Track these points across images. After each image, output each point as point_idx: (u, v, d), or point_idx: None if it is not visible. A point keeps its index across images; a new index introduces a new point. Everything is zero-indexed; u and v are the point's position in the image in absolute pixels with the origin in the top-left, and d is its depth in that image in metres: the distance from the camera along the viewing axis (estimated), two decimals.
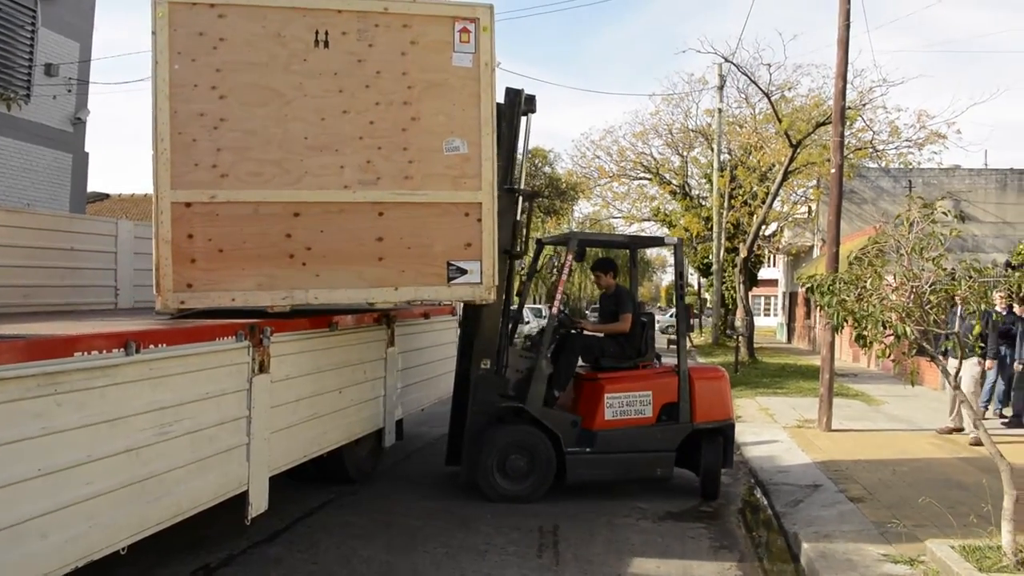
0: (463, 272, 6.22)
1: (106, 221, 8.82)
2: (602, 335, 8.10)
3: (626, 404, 7.60)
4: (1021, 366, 10.23)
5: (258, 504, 5.50)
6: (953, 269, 5.70)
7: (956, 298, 5.64)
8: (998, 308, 9.56)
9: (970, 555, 5.25)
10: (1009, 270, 14.43)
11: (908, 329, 5.01)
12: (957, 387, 5.44)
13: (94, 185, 21.89)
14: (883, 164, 26.65)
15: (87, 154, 17.13)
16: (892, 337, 5.08)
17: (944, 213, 5.41)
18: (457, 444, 7.73)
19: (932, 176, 32.28)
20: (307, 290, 5.90)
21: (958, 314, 7.79)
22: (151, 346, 4.44)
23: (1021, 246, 19.53)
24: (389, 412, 7.80)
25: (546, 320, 8.48)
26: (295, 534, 6.21)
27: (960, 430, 10.34)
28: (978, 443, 9.34)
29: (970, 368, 9.55)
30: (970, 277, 5.33)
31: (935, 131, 23.40)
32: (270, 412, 5.60)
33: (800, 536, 6.12)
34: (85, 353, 3.99)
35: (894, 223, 5.80)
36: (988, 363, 9.86)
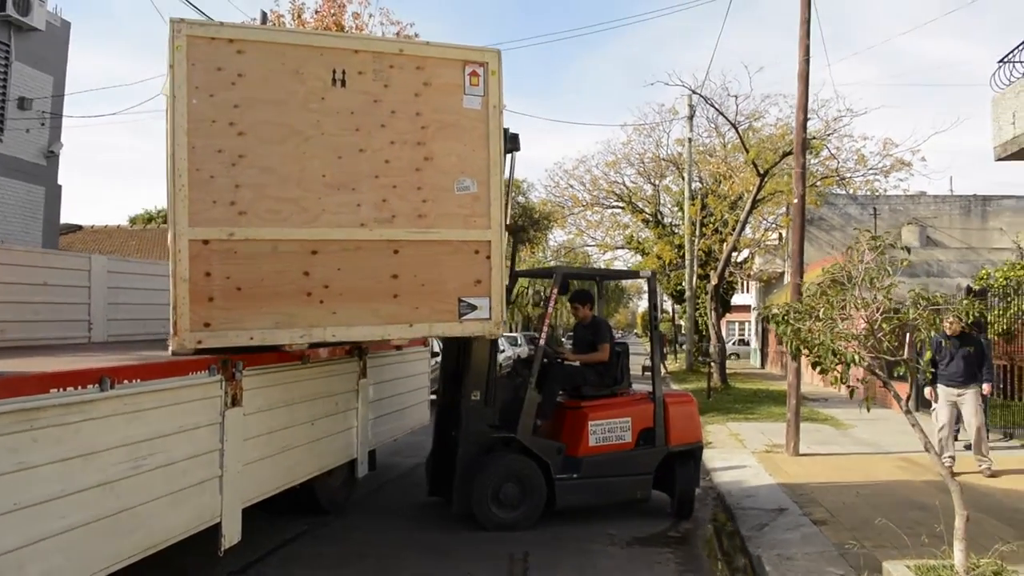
0: (473, 308, 6.45)
1: (79, 256, 8.92)
2: (578, 364, 8.32)
3: (607, 431, 7.87)
4: (988, 387, 10.26)
5: (231, 536, 5.58)
6: (904, 297, 5.94)
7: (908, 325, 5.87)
8: (947, 333, 9.62)
9: (925, 574, 5.44)
10: (970, 295, 14.77)
11: (857, 356, 5.21)
12: (908, 411, 5.63)
13: (66, 217, 21.88)
14: (850, 191, 27.18)
15: (60, 187, 17.20)
16: (842, 365, 5.28)
17: (891, 245, 5.62)
18: (440, 474, 7.83)
19: (898, 203, 32.96)
20: (325, 328, 5.98)
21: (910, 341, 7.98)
22: (125, 381, 4.55)
23: (983, 271, 19.91)
24: (362, 443, 7.89)
25: (519, 348, 8.65)
26: (268, 565, 6.29)
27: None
28: (994, 475, 9.54)
29: (973, 397, 9.63)
30: (918, 304, 5.54)
31: (900, 159, 24.02)
32: (243, 445, 5.70)
33: (763, 559, 6.29)
34: (60, 389, 4.10)
35: (847, 255, 6.02)
36: (986, 388, 9.88)
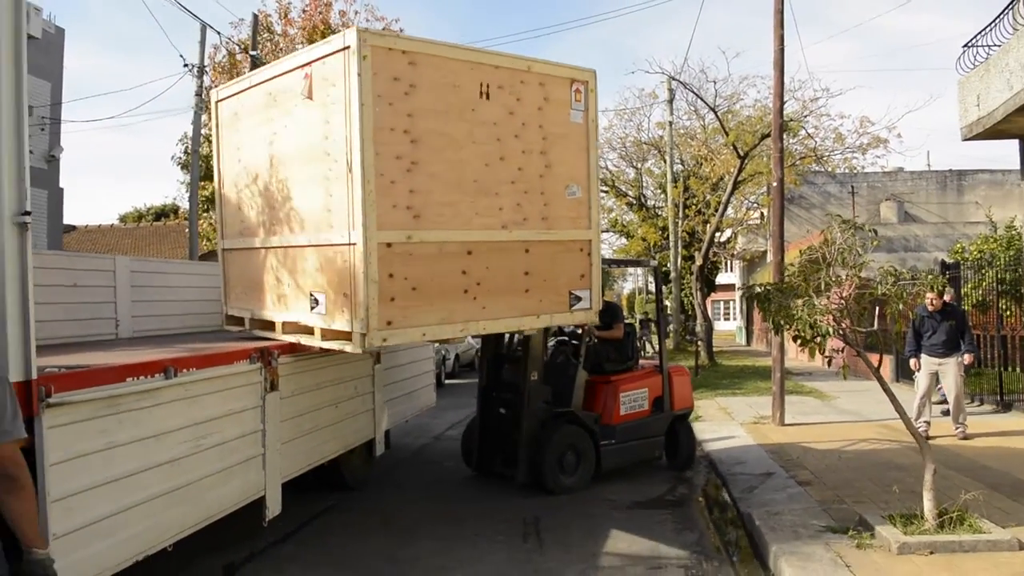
0: (579, 300, 7.32)
1: (104, 257, 9.42)
2: (598, 342, 9.15)
3: (632, 400, 9.09)
4: (971, 357, 10.91)
5: (273, 508, 6.19)
6: (875, 274, 6.57)
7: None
8: (929, 308, 10.34)
9: (897, 522, 6.09)
10: (944, 269, 15.47)
11: (830, 328, 5.85)
12: (879, 376, 6.27)
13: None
14: (829, 170, 27.89)
15: (61, 190, 17.62)
16: (820, 337, 5.91)
17: (860, 227, 6.24)
18: (489, 450, 8.82)
19: (876, 180, 33.74)
20: (477, 322, 6.54)
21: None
22: (184, 370, 5.13)
23: (959, 245, 20.64)
24: (378, 423, 8.49)
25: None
26: (305, 534, 6.90)
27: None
28: (967, 437, 10.21)
29: (954, 366, 10.32)
30: (886, 280, 6.18)
31: (877, 136, 24.67)
32: (280, 426, 6.29)
33: (753, 515, 6.94)
34: (135, 378, 4.67)
35: (822, 237, 6.65)
36: (968, 358, 10.49)
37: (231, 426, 5.64)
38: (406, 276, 5.93)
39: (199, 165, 18.24)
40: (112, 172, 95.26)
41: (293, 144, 6.39)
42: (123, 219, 40.13)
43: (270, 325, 6.91)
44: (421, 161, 6.02)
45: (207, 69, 18.89)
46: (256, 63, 18.26)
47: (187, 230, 22.58)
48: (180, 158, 22.98)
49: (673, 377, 9.54)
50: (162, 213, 39.46)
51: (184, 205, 32.45)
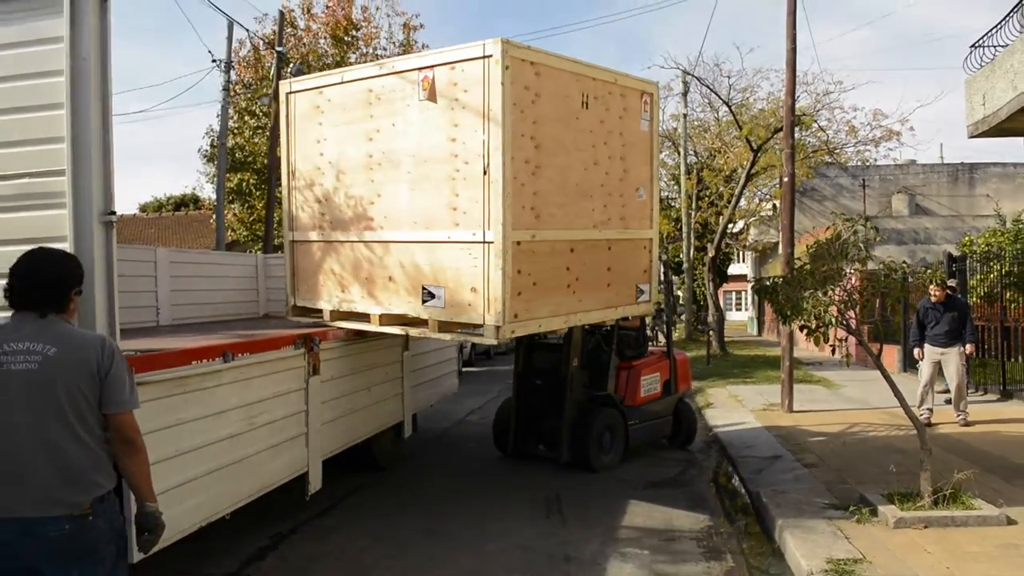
0: (643, 293, 8.00)
1: (146, 248, 9.93)
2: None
3: (649, 383, 9.77)
4: (971, 347, 11.31)
5: (315, 483, 6.70)
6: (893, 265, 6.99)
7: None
8: (932, 300, 10.75)
9: (895, 500, 6.54)
10: (951, 262, 15.81)
11: (834, 319, 6.28)
12: (879, 363, 6.70)
13: None
14: (842, 162, 28.15)
15: None
16: (823, 327, 6.35)
17: (863, 225, 6.65)
18: (526, 434, 9.41)
19: (888, 172, 33.99)
20: (576, 314, 7.08)
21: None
22: (240, 355, 5.61)
23: (967, 238, 20.94)
24: (407, 407, 8.98)
25: None
26: (344, 509, 7.41)
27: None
28: (968, 424, 10.62)
29: (956, 356, 10.72)
30: (886, 276, 6.61)
31: (890, 129, 24.92)
32: (321, 407, 6.79)
33: (760, 493, 7.39)
34: (198, 361, 5.16)
35: (827, 232, 7.06)
36: (969, 347, 10.89)
37: (279, 407, 6.14)
38: (529, 272, 6.37)
39: (225, 157, 18.71)
40: (128, 162, 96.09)
41: (405, 143, 6.65)
42: (143, 208, 40.78)
43: (359, 316, 7.17)
44: (542, 165, 6.46)
45: (233, 64, 19.39)
46: (282, 59, 18.73)
47: (212, 220, 23.10)
48: (206, 150, 23.52)
49: (677, 361, 10.33)
50: (181, 203, 40.09)
51: (203, 195, 33.09)
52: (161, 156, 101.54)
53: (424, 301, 6.56)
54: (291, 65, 19.80)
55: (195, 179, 78.37)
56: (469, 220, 6.21)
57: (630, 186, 7.59)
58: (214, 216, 20.46)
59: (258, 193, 23.01)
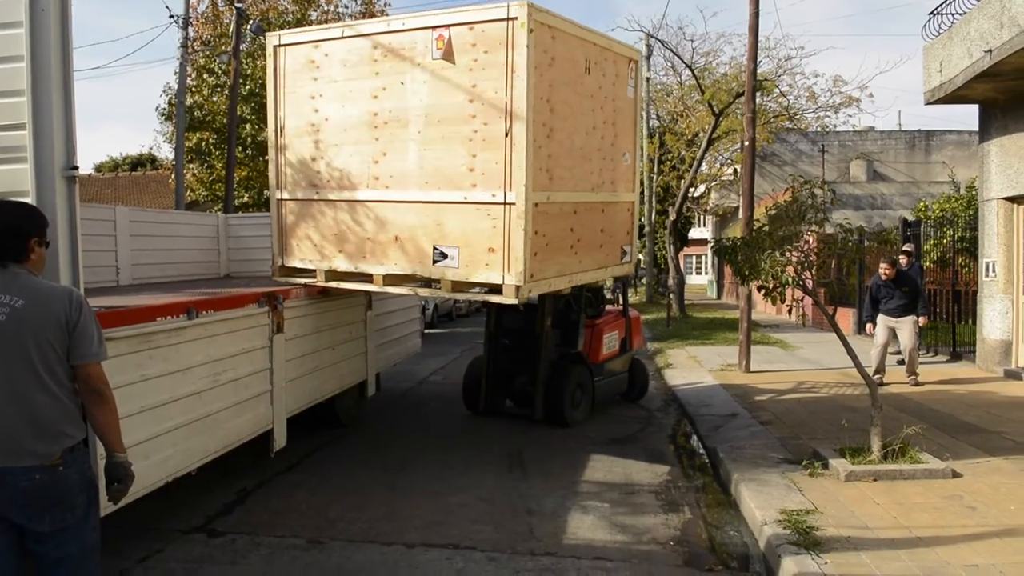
0: (626, 254, 8.23)
1: (106, 208, 9.80)
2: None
3: (610, 341, 10.07)
4: (925, 319, 11.66)
5: (280, 440, 6.75)
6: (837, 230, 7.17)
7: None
8: (883, 277, 11.05)
9: (846, 454, 6.77)
10: (905, 227, 16.16)
11: (790, 279, 6.44)
12: (833, 321, 6.89)
13: None
14: (802, 128, 28.41)
15: None
16: (780, 287, 6.51)
17: (819, 188, 6.80)
18: (497, 391, 9.64)
19: (847, 138, 34.39)
20: (577, 274, 7.23)
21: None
22: (204, 312, 5.62)
23: (922, 204, 21.38)
24: (370, 366, 9.04)
25: None
26: (308, 465, 7.48)
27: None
28: (919, 384, 10.96)
29: (910, 324, 11.07)
30: (842, 238, 6.78)
31: (849, 95, 25.17)
32: (285, 365, 6.83)
33: (717, 449, 7.60)
34: (163, 318, 5.17)
35: (785, 195, 7.21)
36: (923, 319, 11.33)
37: (243, 364, 6.16)
38: (544, 233, 6.47)
39: (184, 116, 18.41)
40: (83, 121, 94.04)
41: (414, 102, 6.57)
42: (99, 168, 39.96)
43: (358, 276, 7.13)
44: (555, 128, 6.50)
45: (191, 20, 19.01)
46: (242, 15, 18.40)
47: (170, 180, 22.78)
48: (164, 109, 23.09)
49: (632, 320, 10.72)
50: (138, 163, 39.35)
51: (161, 155, 32.54)
52: (116, 115, 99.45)
53: (435, 261, 6.58)
54: (251, 22, 19.46)
55: (152, 138, 76.76)
56: (488, 181, 6.24)
57: (619, 151, 7.74)
58: (173, 176, 20.16)
59: (218, 153, 22.70)
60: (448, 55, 6.35)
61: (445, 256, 6.52)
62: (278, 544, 5.43)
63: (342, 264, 7.17)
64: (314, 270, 7.37)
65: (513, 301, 6.34)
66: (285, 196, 7.51)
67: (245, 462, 7.00)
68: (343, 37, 7.00)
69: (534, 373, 9.14)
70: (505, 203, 6.18)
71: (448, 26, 6.36)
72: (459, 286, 6.54)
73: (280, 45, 7.40)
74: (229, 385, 5.93)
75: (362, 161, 6.93)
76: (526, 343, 9.27)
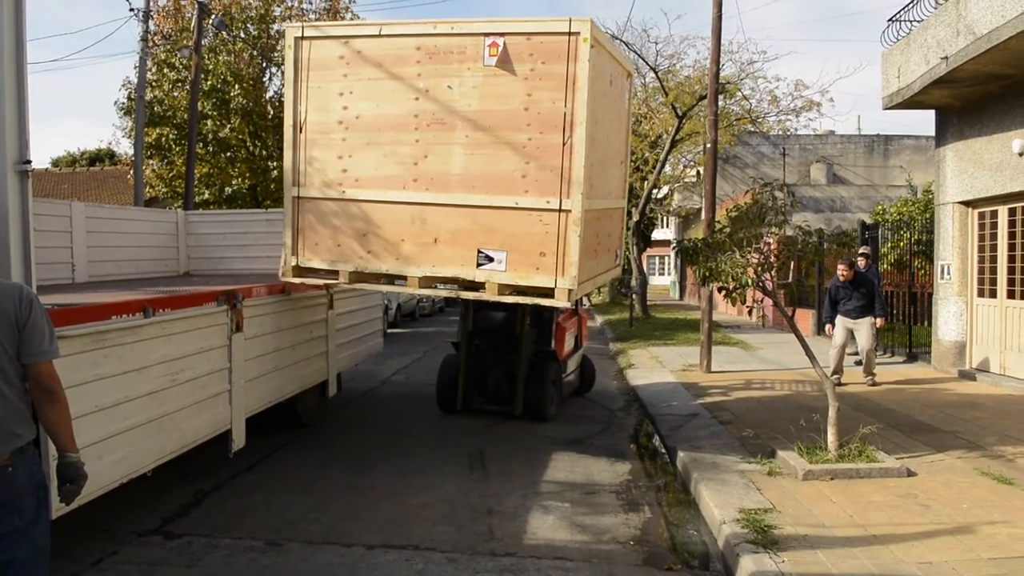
0: (617, 256, 8.49)
1: (61, 203, 9.64)
2: None
3: (569, 339, 10.37)
4: (882, 321, 11.87)
5: (239, 440, 6.66)
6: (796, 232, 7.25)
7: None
8: (841, 279, 11.25)
9: (804, 454, 6.85)
10: (863, 230, 16.40)
11: (750, 280, 6.50)
12: (792, 322, 6.97)
13: None
14: (764, 131, 28.72)
15: None
16: (738, 288, 6.58)
17: (780, 191, 6.88)
18: (473, 388, 9.77)
19: (808, 142, 34.81)
20: (597, 276, 7.61)
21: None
22: (161, 310, 5.53)
23: (879, 207, 21.70)
24: (331, 366, 8.96)
25: None
26: (268, 465, 7.40)
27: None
28: (875, 385, 11.16)
29: (867, 325, 11.29)
30: (802, 240, 6.86)
31: (810, 100, 25.49)
32: (244, 364, 6.73)
33: (678, 448, 7.65)
34: (118, 316, 5.08)
35: (747, 197, 7.28)
36: (880, 320, 11.53)
37: (201, 363, 6.07)
38: (586, 238, 6.65)
39: (144, 111, 18.12)
40: (39, 115, 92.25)
41: (462, 106, 6.59)
42: (56, 163, 39.22)
43: (389, 277, 7.09)
44: (596, 138, 6.65)
45: (152, 14, 18.71)
46: (204, 9, 18.15)
47: (129, 176, 22.41)
48: (123, 103, 22.68)
49: (582, 318, 11.25)
50: (97, 158, 38.66)
51: (120, 150, 32.01)
52: (75, 109, 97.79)
53: (480, 264, 6.60)
54: (213, 16, 19.21)
55: (112, 133, 75.56)
56: (542, 187, 6.38)
57: (619, 159, 8.09)
58: (132, 172, 19.84)
59: (178, 149, 22.35)
60: (503, 62, 6.45)
61: (491, 259, 6.57)
62: (235, 546, 5.36)
63: (370, 265, 7.01)
64: (333, 270, 7.20)
65: (565, 304, 6.54)
66: (303, 194, 7.23)
67: (204, 463, 6.91)
68: (380, 36, 6.91)
69: (513, 371, 9.40)
70: (560, 210, 6.35)
71: (503, 34, 6.46)
72: (505, 289, 6.62)
73: (303, 38, 7.15)
74: (187, 385, 5.83)
75: (399, 162, 6.84)
76: (503, 342, 9.50)
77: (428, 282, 6.91)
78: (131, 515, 5.89)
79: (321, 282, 7.40)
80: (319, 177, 7.15)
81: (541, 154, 6.37)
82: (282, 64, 23.99)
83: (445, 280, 6.93)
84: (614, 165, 7.85)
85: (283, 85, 24.47)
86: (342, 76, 7.01)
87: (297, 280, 7.38)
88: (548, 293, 6.54)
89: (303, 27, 7.32)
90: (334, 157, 7.08)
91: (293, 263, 7.31)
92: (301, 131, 7.19)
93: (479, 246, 6.60)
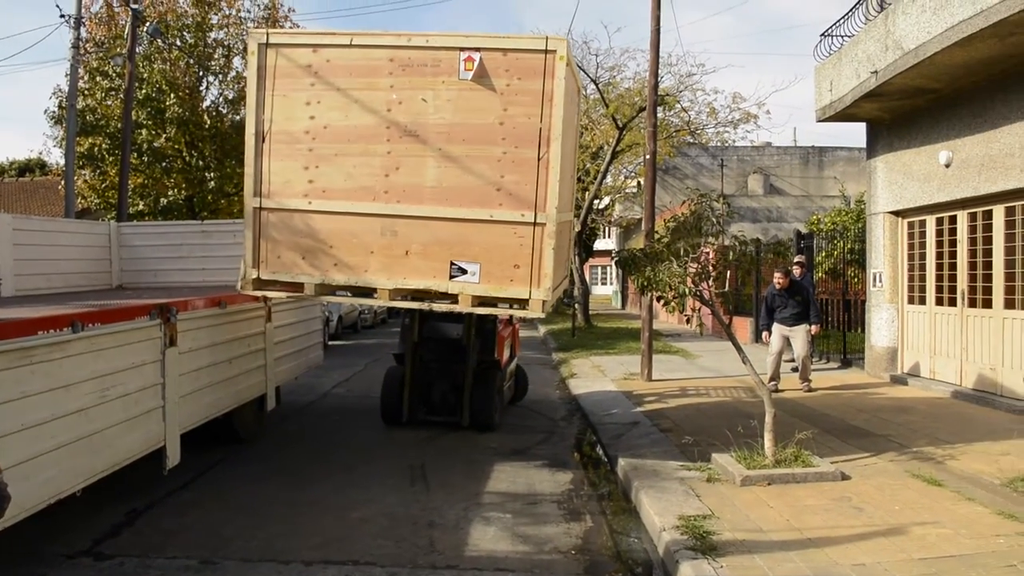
0: (568, 268, 8.59)
1: None
2: None
3: (507, 348, 10.41)
4: (817, 328, 12.12)
5: (173, 457, 6.49)
6: (732, 241, 7.37)
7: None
8: (777, 287, 11.52)
9: (742, 460, 6.94)
10: (799, 239, 16.75)
11: (687, 288, 6.59)
12: (728, 330, 7.07)
13: None
14: (703, 142, 29.17)
15: None
16: (676, 297, 6.66)
17: (715, 201, 6.99)
18: (419, 400, 9.73)
19: (746, 153, 35.48)
20: (558, 286, 7.70)
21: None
22: (90, 325, 5.39)
23: (814, 217, 22.21)
24: (270, 380, 8.82)
25: None
26: (203, 482, 7.24)
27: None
28: (811, 391, 11.40)
29: (803, 333, 11.56)
30: (740, 249, 6.97)
31: (747, 112, 25.97)
32: (179, 379, 6.58)
33: (619, 456, 7.69)
34: (45, 331, 4.92)
35: (684, 208, 7.38)
36: (815, 328, 11.78)
37: (133, 379, 5.91)
38: (554, 248, 6.68)
39: (75, 120, 17.69)
40: None
41: (435, 119, 6.64)
42: None
43: (357, 290, 7.04)
44: (564, 154, 6.74)
45: (84, 20, 18.28)
46: (138, 17, 17.81)
47: (60, 186, 21.86)
48: (54, 112, 22.11)
49: (515, 328, 11.34)
50: (26, 168, 37.61)
51: (51, 160, 31.20)
52: (3, 118, 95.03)
53: (453, 276, 6.64)
54: (148, 24, 18.87)
55: (42, 143, 73.61)
56: (515, 201, 6.52)
57: (572, 172, 8.25)
58: (63, 182, 19.33)
59: (111, 159, 21.87)
60: (479, 77, 6.52)
61: (464, 271, 6.62)
62: (169, 566, 5.22)
63: (336, 277, 6.93)
64: (298, 283, 7.07)
65: (539, 314, 6.69)
66: (266, 204, 7.04)
67: (137, 481, 6.73)
68: (351, 46, 6.85)
69: (460, 381, 9.45)
70: (535, 223, 6.50)
71: (479, 49, 6.55)
72: (479, 300, 6.68)
73: (268, 44, 7.01)
74: (118, 401, 5.68)
75: (370, 173, 6.79)
76: (449, 352, 9.53)
77: (399, 294, 6.88)
78: (61, 536, 5.71)
79: (284, 294, 7.36)
80: (284, 188, 7.02)
81: (516, 168, 6.50)
82: (219, 73, 23.67)
83: (417, 292, 6.91)
84: (572, 178, 8.10)
85: (220, 95, 24.30)
86: (309, 85, 6.93)
87: (258, 293, 7.28)
88: (522, 304, 6.69)
89: (268, 33, 7.22)
90: (300, 167, 6.97)
91: (254, 275, 7.16)
92: (264, 140, 7.04)
93: (452, 258, 6.65)
